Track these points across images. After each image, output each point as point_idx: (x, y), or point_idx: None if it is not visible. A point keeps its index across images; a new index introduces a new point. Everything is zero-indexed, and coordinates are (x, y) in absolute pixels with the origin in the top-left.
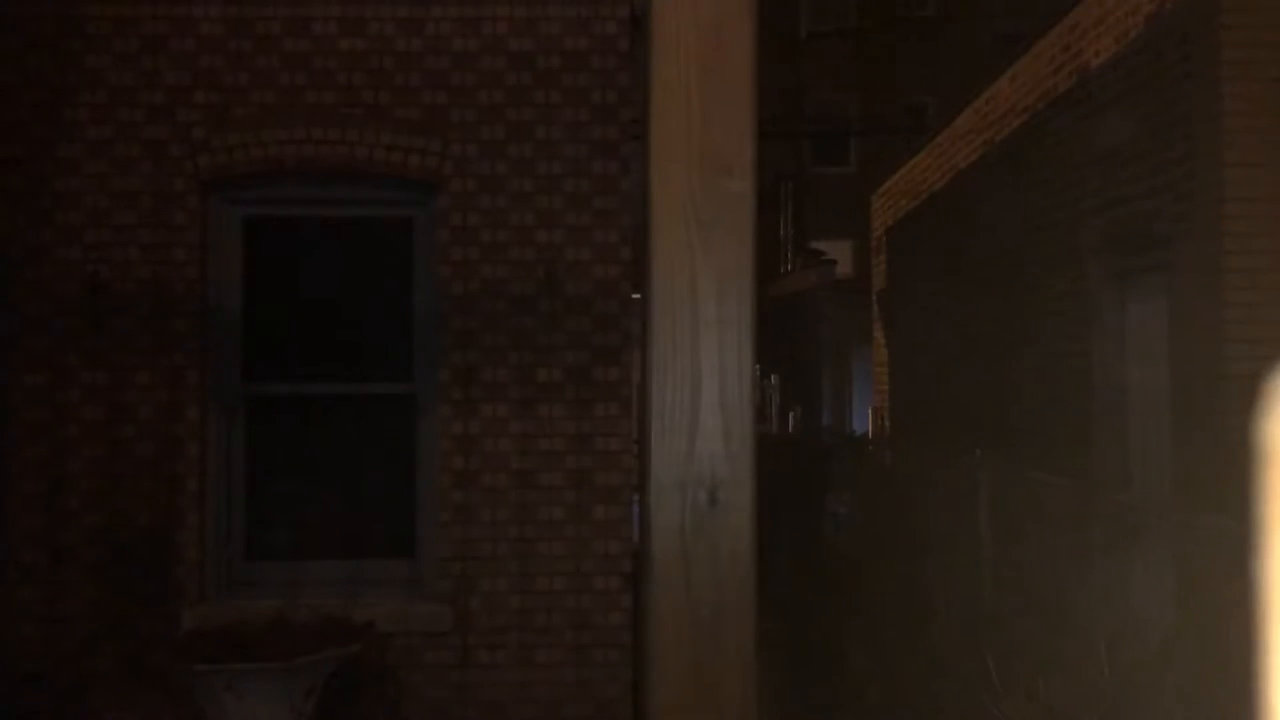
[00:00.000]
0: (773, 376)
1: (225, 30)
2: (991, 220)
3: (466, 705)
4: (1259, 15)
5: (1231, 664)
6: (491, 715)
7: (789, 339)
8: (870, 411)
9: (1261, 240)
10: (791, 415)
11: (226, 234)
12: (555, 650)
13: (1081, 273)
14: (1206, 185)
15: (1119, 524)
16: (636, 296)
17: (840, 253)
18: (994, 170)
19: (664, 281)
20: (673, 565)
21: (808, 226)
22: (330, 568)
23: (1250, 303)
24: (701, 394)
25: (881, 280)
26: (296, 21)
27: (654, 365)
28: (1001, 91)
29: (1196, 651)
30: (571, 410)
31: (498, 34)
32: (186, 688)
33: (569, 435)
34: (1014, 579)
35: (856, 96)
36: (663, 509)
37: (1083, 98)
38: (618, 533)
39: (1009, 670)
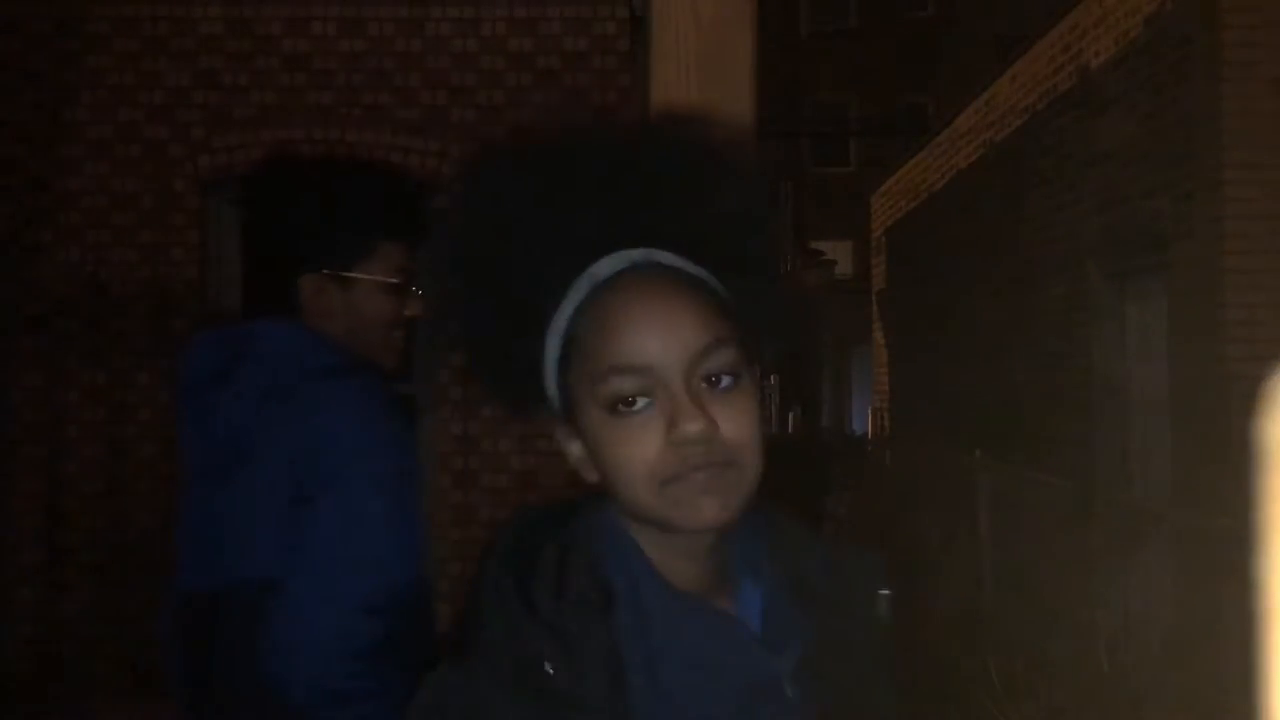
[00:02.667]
0: (772, 376)
1: (225, 31)
2: (991, 220)
3: None
4: (1258, 16)
5: (1230, 663)
6: None
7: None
8: (870, 411)
9: (1261, 241)
10: (791, 415)
11: (226, 234)
12: None
13: (1081, 273)
14: (1206, 186)
15: (1119, 525)
16: None
17: (840, 253)
18: (994, 170)
19: None
20: None
21: (808, 226)
22: None
23: (1250, 303)
24: None
25: (881, 280)
26: (296, 22)
27: None
28: (1001, 92)
29: (1196, 652)
30: None
31: (497, 34)
32: None
33: None
34: (1014, 579)
35: (856, 96)
36: None
37: (1083, 98)
38: None
39: (1009, 670)
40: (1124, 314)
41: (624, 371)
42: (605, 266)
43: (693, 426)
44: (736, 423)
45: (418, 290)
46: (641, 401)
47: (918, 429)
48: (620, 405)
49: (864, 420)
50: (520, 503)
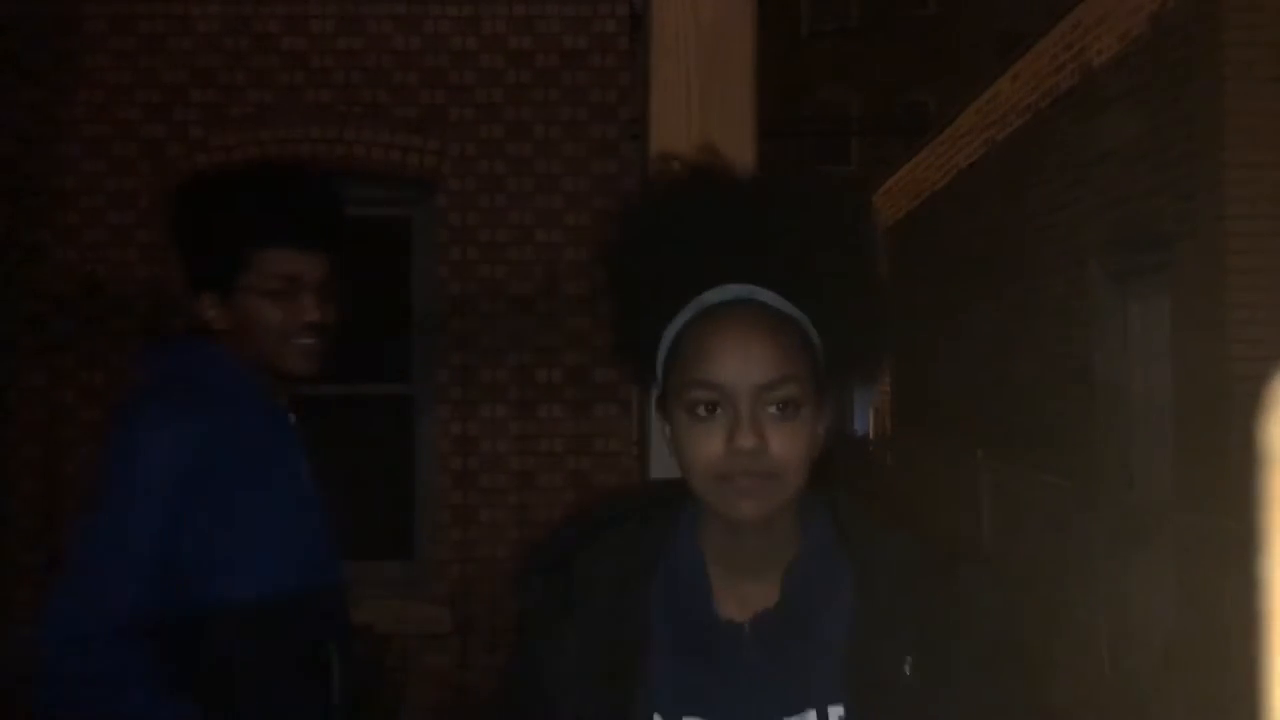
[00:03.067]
0: None
1: (223, 29)
2: (993, 219)
3: (465, 707)
4: (1261, 15)
5: (1233, 664)
6: None
7: None
8: (871, 411)
9: (1263, 240)
10: None
11: None
12: None
13: (1083, 272)
14: (1208, 185)
15: (1120, 524)
16: None
17: None
18: (995, 170)
19: None
20: None
21: None
22: None
23: (1252, 303)
24: None
25: None
26: (294, 20)
27: None
28: (1003, 90)
29: (1198, 652)
30: (571, 411)
31: (496, 32)
32: None
33: (568, 436)
34: (1015, 578)
35: (857, 96)
36: None
37: (1085, 97)
38: None
39: None
40: (1126, 313)
41: (704, 386)
42: (713, 296)
43: (746, 442)
44: (785, 445)
45: (328, 291)
46: (713, 411)
47: (919, 428)
48: (698, 409)
49: (865, 420)
50: (520, 503)
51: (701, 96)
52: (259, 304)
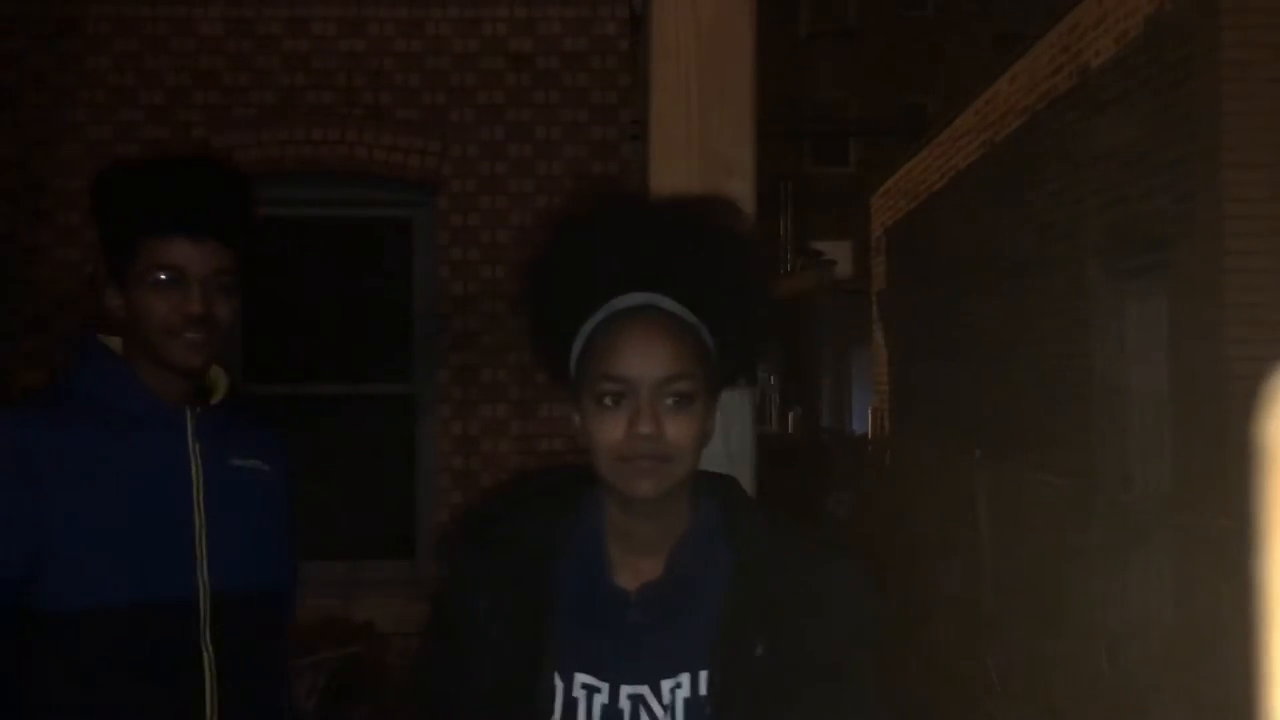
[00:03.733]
0: (772, 377)
1: (225, 31)
2: (991, 221)
3: None
4: (1258, 16)
5: (1231, 663)
6: None
7: (788, 339)
8: (870, 411)
9: (1261, 241)
10: (791, 415)
11: None
12: None
13: (1081, 273)
14: (1206, 186)
15: (1119, 525)
16: None
17: (840, 253)
18: (994, 171)
19: None
20: None
21: (807, 227)
22: (330, 568)
23: (1250, 303)
24: None
25: (881, 281)
26: (296, 22)
27: None
28: (1001, 92)
29: (1196, 652)
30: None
31: (497, 35)
32: None
33: (569, 436)
34: (1014, 579)
35: (856, 97)
36: None
37: (1083, 98)
38: None
39: (1009, 670)
40: (1124, 314)
41: (611, 379)
42: (622, 301)
43: (645, 428)
44: (680, 432)
45: (222, 284)
46: (618, 401)
47: (918, 429)
48: (605, 399)
49: (864, 420)
50: None
51: (701, 98)
52: (145, 295)
